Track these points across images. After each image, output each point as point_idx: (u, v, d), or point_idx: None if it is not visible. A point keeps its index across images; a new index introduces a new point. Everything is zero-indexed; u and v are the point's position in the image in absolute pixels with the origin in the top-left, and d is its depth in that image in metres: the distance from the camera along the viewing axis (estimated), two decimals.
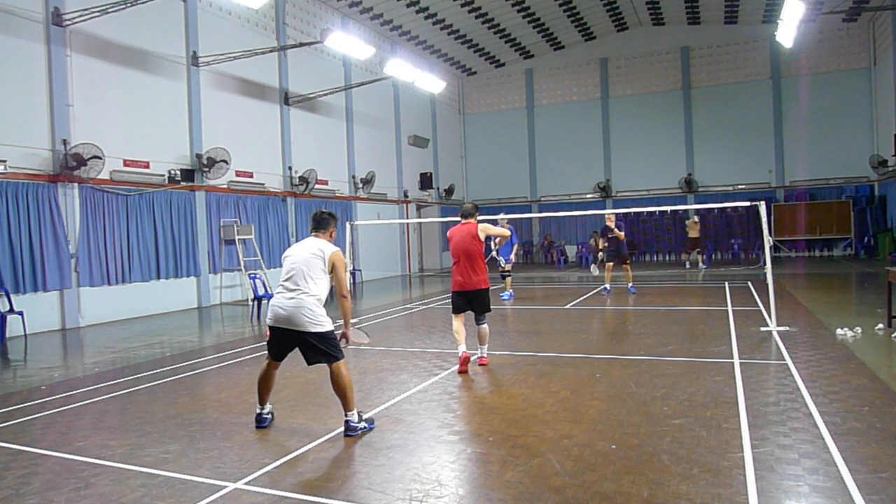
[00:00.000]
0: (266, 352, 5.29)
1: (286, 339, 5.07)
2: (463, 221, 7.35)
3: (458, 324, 7.25)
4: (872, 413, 4.99)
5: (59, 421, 5.69)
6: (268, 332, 5.21)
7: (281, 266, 5.30)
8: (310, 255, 5.08)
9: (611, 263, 14.35)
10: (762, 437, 4.53)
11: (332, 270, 5.10)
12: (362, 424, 4.95)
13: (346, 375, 4.96)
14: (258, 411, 5.30)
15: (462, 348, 7.05)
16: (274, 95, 18.20)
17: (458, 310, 7.32)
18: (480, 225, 7.23)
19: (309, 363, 5.10)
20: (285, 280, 5.07)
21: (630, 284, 14.27)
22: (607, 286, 14.37)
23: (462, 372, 6.92)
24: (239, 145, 16.22)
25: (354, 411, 4.94)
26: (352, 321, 5.33)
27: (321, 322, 5.00)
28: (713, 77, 26.50)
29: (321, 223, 5.38)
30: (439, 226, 26.93)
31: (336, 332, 5.15)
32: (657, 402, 5.51)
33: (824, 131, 24.36)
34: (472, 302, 7.22)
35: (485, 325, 7.35)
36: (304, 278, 5.00)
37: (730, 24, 25.94)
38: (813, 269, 18.95)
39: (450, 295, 7.57)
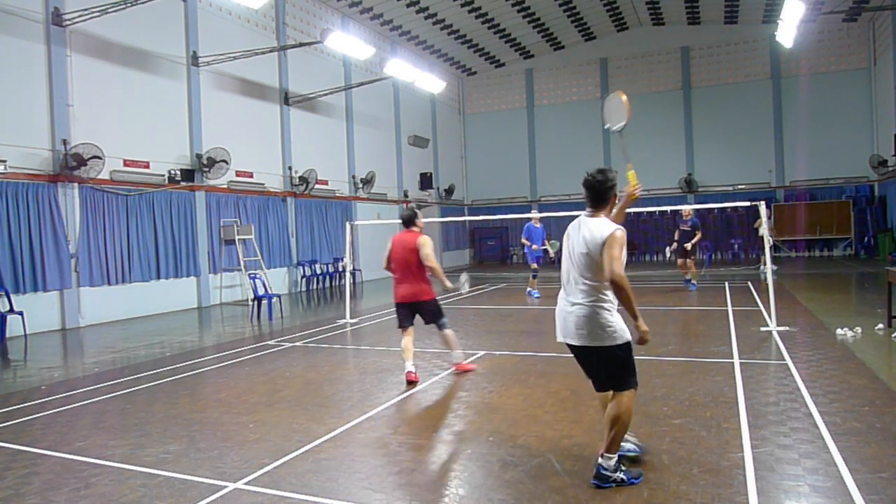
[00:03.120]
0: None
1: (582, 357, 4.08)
2: (404, 229, 6.86)
3: (406, 340, 6.75)
4: (872, 413, 4.99)
5: (59, 421, 5.69)
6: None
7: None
8: (585, 247, 3.86)
9: (682, 260, 14.61)
10: (762, 437, 4.53)
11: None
12: (618, 476, 3.76)
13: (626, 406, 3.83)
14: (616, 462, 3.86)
15: (408, 365, 6.59)
16: (274, 95, 18.20)
17: (402, 323, 6.81)
18: (420, 239, 6.66)
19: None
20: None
21: (692, 280, 14.41)
22: (692, 280, 14.59)
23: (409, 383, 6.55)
24: (239, 145, 16.22)
25: (613, 455, 3.82)
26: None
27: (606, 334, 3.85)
28: (713, 77, 26.49)
29: (599, 194, 3.93)
30: (439, 226, 26.95)
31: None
32: (657, 402, 5.51)
33: (824, 131, 24.34)
34: (417, 314, 6.79)
35: (448, 331, 6.82)
36: (578, 280, 3.91)
37: (730, 24, 25.94)
38: (813, 269, 18.94)
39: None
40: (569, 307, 3.94)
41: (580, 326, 3.86)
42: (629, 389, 3.84)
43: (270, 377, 7.16)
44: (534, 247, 13.96)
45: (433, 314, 6.77)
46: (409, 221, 6.86)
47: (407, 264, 6.67)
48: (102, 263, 13.00)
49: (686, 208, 14.55)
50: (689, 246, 14.26)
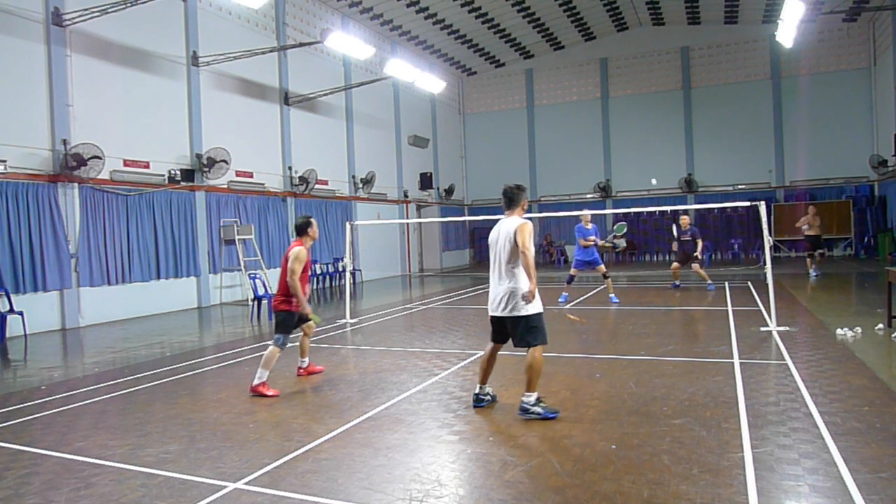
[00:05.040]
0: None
1: (502, 325, 5.41)
2: (296, 238, 6.78)
3: (300, 339, 7.26)
4: (872, 413, 4.99)
5: (59, 421, 5.69)
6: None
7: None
8: (504, 240, 5.26)
9: (677, 264, 14.76)
10: (762, 437, 4.53)
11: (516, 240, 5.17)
12: (536, 409, 5.15)
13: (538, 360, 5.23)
14: (476, 391, 5.64)
15: (299, 360, 7.27)
16: (274, 95, 18.20)
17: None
18: (292, 252, 6.49)
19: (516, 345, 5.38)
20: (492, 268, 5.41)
21: (708, 282, 14.46)
22: (677, 282, 14.86)
23: (300, 375, 7.20)
24: (239, 145, 16.22)
25: (532, 393, 5.21)
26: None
27: (527, 308, 5.17)
28: (713, 77, 26.49)
29: (512, 200, 5.43)
30: (439, 226, 26.96)
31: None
32: (657, 402, 5.51)
33: (824, 131, 24.35)
34: None
35: (270, 349, 6.50)
36: (504, 265, 5.25)
37: (730, 24, 25.94)
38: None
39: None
40: (500, 288, 5.26)
41: (508, 301, 5.19)
42: (537, 343, 5.19)
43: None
44: (594, 242, 12.56)
45: (275, 324, 6.70)
46: (299, 230, 6.75)
47: (284, 271, 6.59)
48: (102, 263, 13.00)
49: (684, 218, 14.61)
50: (698, 254, 14.52)
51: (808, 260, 16.88)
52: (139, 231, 13.82)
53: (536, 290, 5.14)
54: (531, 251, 5.10)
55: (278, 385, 6.77)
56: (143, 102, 14.08)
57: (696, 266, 14.43)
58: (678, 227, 14.63)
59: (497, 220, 5.56)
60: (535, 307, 5.20)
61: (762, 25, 24.91)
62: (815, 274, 16.45)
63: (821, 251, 16.88)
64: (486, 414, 5.42)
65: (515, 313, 5.17)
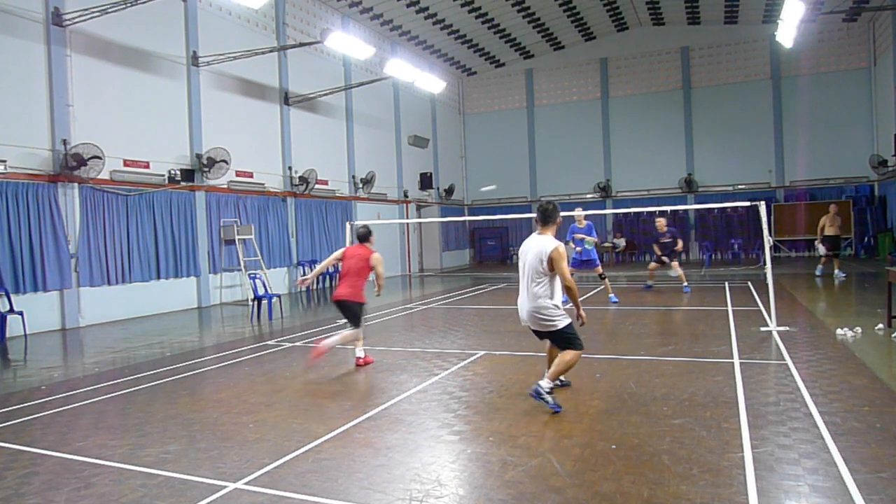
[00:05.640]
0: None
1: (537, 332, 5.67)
2: (358, 243, 7.91)
3: (354, 332, 7.78)
4: (872, 413, 4.99)
5: (59, 421, 5.69)
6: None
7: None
8: (535, 259, 5.42)
9: (654, 265, 14.89)
10: (762, 437, 4.53)
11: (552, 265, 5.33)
12: (549, 398, 5.24)
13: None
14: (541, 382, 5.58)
15: (358, 352, 7.74)
16: (274, 95, 18.20)
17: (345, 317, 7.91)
18: (374, 256, 7.72)
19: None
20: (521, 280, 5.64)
21: (685, 284, 14.30)
22: (650, 283, 15.01)
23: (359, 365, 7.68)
24: (239, 145, 16.21)
25: (551, 383, 5.34)
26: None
27: (555, 321, 5.41)
28: (713, 77, 26.49)
29: (547, 217, 5.63)
30: (439, 226, 26.96)
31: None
32: (657, 402, 5.51)
33: (824, 131, 24.34)
34: (342, 310, 7.76)
35: (356, 330, 7.64)
36: (530, 282, 5.46)
37: (730, 24, 25.93)
38: (813, 269, 18.91)
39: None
40: (526, 303, 5.49)
41: (536, 318, 5.43)
42: (573, 349, 5.43)
43: (270, 377, 7.17)
44: (577, 249, 12.62)
45: (350, 315, 7.65)
46: (364, 238, 7.90)
47: (357, 273, 7.66)
48: (102, 263, 13.00)
49: (660, 221, 14.56)
50: (678, 248, 14.55)
51: (836, 261, 15.95)
52: (139, 231, 13.82)
53: (561, 305, 5.51)
54: (573, 281, 5.42)
55: (279, 384, 6.78)
56: (143, 102, 14.08)
57: (675, 264, 14.30)
58: (656, 230, 14.62)
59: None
60: (564, 320, 5.42)
61: (762, 25, 24.91)
62: (821, 273, 16.32)
63: (833, 252, 16.06)
64: (486, 414, 5.42)
65: (546, 329, 5.46)
